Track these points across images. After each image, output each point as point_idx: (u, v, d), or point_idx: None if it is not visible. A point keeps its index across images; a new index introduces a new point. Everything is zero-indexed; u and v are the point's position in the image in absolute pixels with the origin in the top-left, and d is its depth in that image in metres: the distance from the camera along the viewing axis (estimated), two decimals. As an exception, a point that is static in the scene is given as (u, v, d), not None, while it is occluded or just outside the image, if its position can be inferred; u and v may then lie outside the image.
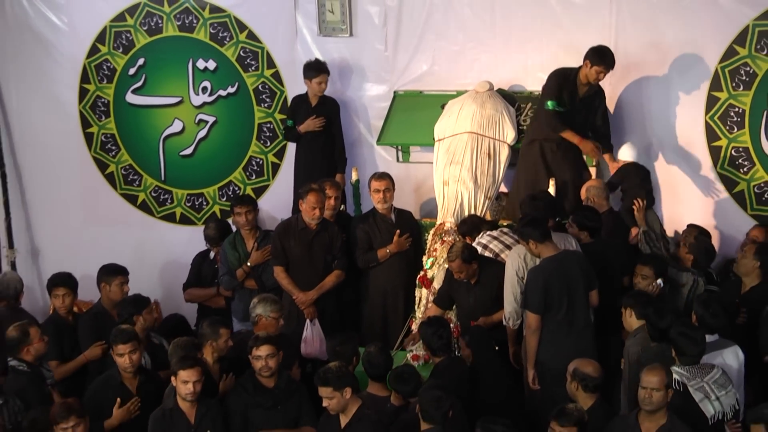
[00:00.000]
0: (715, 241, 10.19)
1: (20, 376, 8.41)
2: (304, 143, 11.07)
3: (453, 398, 7.53)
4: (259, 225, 10.68)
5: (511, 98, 10.60)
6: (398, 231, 10.18)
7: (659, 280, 8.94)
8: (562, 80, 10.06)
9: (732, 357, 7.98)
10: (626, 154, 10.51)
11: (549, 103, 10.04)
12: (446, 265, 9.58)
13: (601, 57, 9.91)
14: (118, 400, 8.16)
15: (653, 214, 10.00)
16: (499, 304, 9.12)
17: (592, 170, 10.45)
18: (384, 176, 10.28)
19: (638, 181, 10.04)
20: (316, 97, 10.98)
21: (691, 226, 9.96)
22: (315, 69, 10.87)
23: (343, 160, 11.19)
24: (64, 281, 9.60)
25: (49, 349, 8.86)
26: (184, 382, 7.83)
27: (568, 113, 10.07)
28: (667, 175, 10.48)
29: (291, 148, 11.51)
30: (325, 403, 7.62)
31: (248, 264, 10.40)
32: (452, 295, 9.47)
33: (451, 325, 9.38)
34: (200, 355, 8.38)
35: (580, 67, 10.03)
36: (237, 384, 8.28)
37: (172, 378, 7.94)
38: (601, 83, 10.17)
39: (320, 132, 11.02)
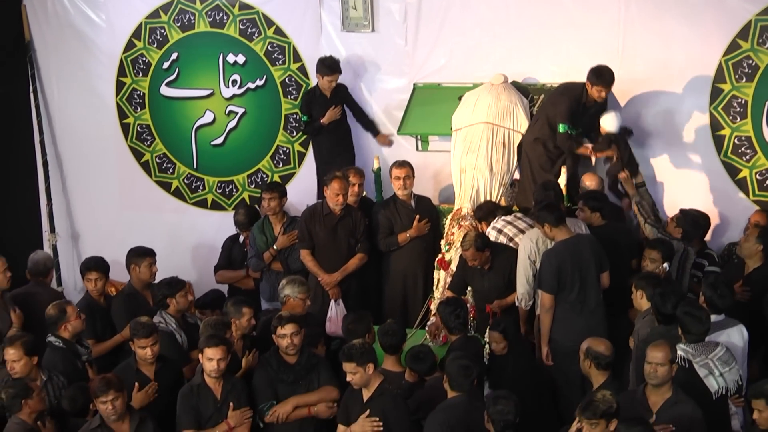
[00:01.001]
0: (718, 226, 10.20)
1: (55, 352, 8.49)
2: (325, 133, 11.08)
3: (478, 368, 7.57)
4: (286, 211, 10.71)
5: (525, 90, 10.57)
6: (418, 216, 10.20)
7: (665, 264, 8.94)
8: (573, 104, 9.94)
9: (737, 335, 7.99)
10: (632, 143, 10.43)
11: (561, 126, 9.89)
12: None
13: (599, 76, 9.81)
14: (136, 384, 8.10)
15: (646, 191, 9.99)
16: (512, 287, 9.20)
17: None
18: (404, 164, 10.30)
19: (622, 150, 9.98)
20: (329, 90, 11.00)
21: (684, 211, 9.98)
22: (329, 68, 10.84)
23: (373, 124, 11.23)
24: (96, 265, 9.57)
25: (85, 329, 8.91)
26: (209, 360, 7.82)
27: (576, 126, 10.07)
28: (672, 163, 10.47)
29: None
30: (348, 378, 7.65)
31: (275, 247, 10.43)
32: (467, 280, 9.50)
33: (468, 306, 9.42)
34: (228, 333, 8.41)
35: (585, 85, 9.98)
36: (261, 360, 8.28)
37: (199, 355, 7.95)
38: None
39: (341, 120, 11.05)
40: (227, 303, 8.84)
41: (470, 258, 9.23)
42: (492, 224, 9.67)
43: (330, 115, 10.96)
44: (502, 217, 9.73)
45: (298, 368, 8.17)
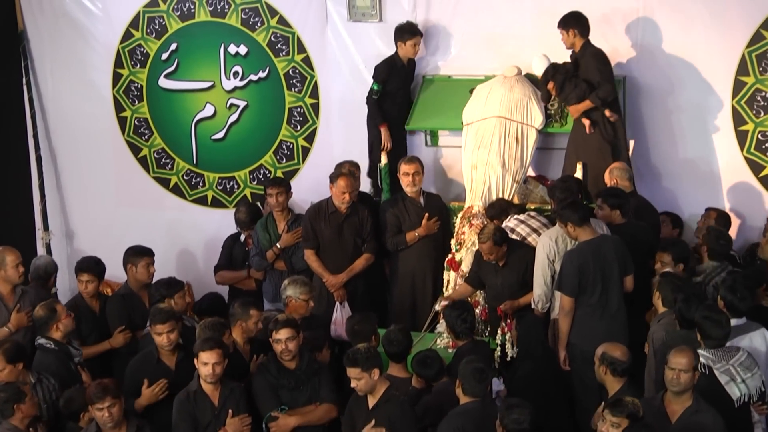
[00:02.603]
0: (741, 225, 10.20)
1: (47, 354, 8.52)
2: (390, 100, 10.96)
3: (491, 372, 7.59)
4: (291, 208, 10.73)
5: (539, 83, 10.58)
6: (427, 215, 10.21)
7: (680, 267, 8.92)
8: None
9: (760, 339, 7.98)
10: (652, 138, 10.49)
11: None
12: (474, 248, 9.63)
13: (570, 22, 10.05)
14: (146, 381, 8.18)
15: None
16: (526, 287, 9.21)
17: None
18: (414, 160, 10.30)
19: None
20: (407, 58, 10.92)
21: (709, 210, 9.95)
22: (409, 32, 10.77)
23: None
24: (89, 267, 9.60)
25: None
26: (204, 364, 7.81)
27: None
28: (693, 159, 10.49)
29: (322, 131, 11.61)
30: (353, 384, 7.63)
31: (278, 245, 10.46)
32: (481, 276, 9.51)
33: (479, 308, 9.43)
34: (227, 336, 8.43)
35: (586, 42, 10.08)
36: (260, 366, 8.29)
37: (195, 360, 7.94)
38: (630, 67, 10.30)
39: (400, 91, 10.97)
40: (234, 304, 8.81)
41: (486, 251, 9.23)
42: (504, 223, 9.67)
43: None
44: (515, 216, 9.75)
45: (298, 373, 8.16)
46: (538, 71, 10.19)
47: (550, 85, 10.05)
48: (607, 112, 9.88)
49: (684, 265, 8.91)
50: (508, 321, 9.02)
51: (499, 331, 9.10)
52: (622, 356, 7.71)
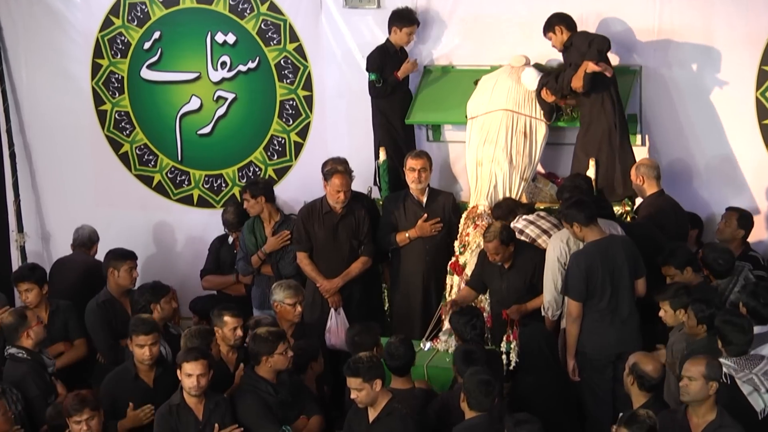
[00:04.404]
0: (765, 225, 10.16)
1: (20, 365, 8.46)
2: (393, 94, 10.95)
3: (499, 384, 7.53)
4: (280, 208, 10.68)
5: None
6: (426, 215, 10.13)
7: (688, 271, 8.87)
8: None
9: (785, 348, 7.94)
10: (669, 131, 10.45)
11: None
12: (478, 251, 9.59)
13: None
14: (131, 404, 8.16)
15: None
16: (533, 291, 9.20)
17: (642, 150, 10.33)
18: (422, 155, 10.24)
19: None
20: (399, 46, 10.87)
21: (731, 210, 9.90)
22: (408, 19, 10.74)
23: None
24: (23, 275, 9.56)
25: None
26: (188, 376, 7.80)
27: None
28: (714, 155, 10.45)
29: (316, 126, 11.60)
30: (353, 395, 7.62)
31: (263, 250, 10.40)
32: (484, 280, 9.44)
33: (484, 314, 9.38)
34: (215, 344, 8.38)
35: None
36: (246, 387, 8.15)
37: (178, 371, 7.92)
38: (647, 56, 10.32)
39: (404, 81, 10.92)
40: (212, 311, 8.82)
41: (492, 251, 9.17)
42: (512, 224, 9.63)
43: (406, 68, 10.83)
44: (524, 217, 9.70)
45: (287, 386, 8.17)
46: (531, 85, 10.18)
47: (544, 92, 10.00)
48: (600, 66, 9.76)
49: (691, 267, 8.84)
50: (515, 328, 8.98)
51: (504, 339, 9.04)
52: (654, 372, 7.64)
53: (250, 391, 8.10)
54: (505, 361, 8.87)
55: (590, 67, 9.66)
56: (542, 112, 10.16)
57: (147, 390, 8.28)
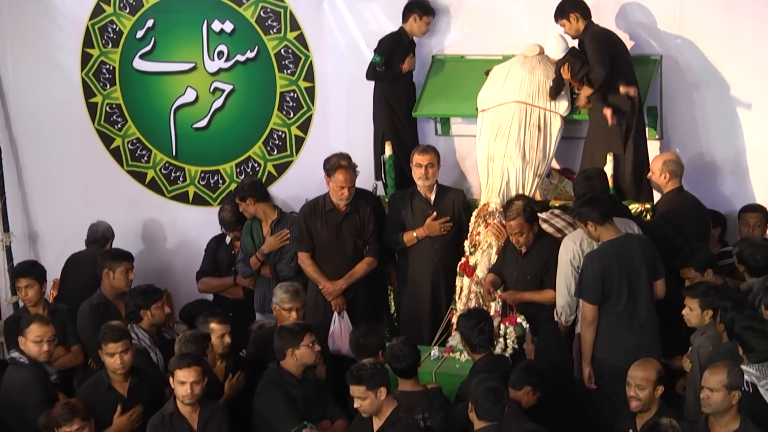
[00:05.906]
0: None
1: (22, 370, 8.48)
2: (391, 84, 10.95)
3: (508, 392, 7.58)
4: (277, 206, 10.68)
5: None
6: (435, 213, 10.13)
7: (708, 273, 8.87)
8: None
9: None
10: (690, 126, 10.48)
11: None
12: (490, 250, 9.62)
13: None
14: (119, 408, 8.16)
15: None
16: (540, 284, 9.30)
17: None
18: (429, 150, 10.25)
19: None
20: (413, 36, 10.92)
21: (753, 209, 9.97)
22: (427, 9, 10.80)
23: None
24: (24, 270, 9.73)
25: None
26: (181, 383, 7.81)
27: None
28: (737, 151, 10.45)
29: (318, 119, 11.59)
30: (356, 404, 7.63)
31: (262, 251, 10.39)
32: (502, 266, 9.55)
33: (492, 311, 9.36)
34: (210, 350, 8.39)
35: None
36: (271, 378, 8.20)
37: (170, 378, 7.92)
38: (668, 46, 10.33)
39: (408, 73, 10.97)
40: (197, 318, 8.89)
41: (514, 230, 9.24)
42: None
43: (411, 62, 10.87)
44: (537, 214, 9.67)
45: (313, 382, 8.24)
46: (555, 54, 10.11)
47: (564, 68, 9.96)
48: (622, 89, 9.82)
49: (712, 269, 8.89)
50: (514, 312, 9.19)
51: (501, 322, 9.11)
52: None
53: (275, 383, 8.17)
54: (501, 346, 8.89)
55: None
56: (552, 87, 10.16)
57: (121, 401, 8.24)
